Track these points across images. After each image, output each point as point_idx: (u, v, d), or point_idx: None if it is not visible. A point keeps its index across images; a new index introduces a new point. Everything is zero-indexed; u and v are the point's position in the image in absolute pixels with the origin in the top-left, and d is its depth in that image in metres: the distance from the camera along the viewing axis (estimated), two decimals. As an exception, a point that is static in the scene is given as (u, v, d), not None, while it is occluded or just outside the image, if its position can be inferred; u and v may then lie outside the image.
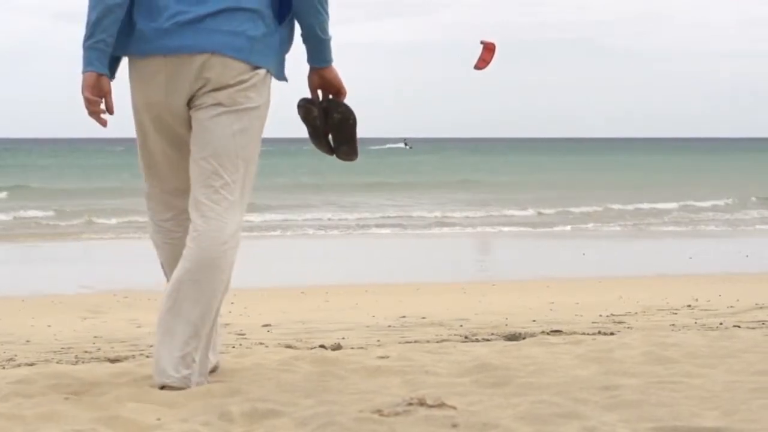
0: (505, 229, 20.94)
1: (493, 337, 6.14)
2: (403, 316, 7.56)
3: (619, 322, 6.97)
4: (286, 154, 70.49)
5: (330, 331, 6.76)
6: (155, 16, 4.09)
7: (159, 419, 3.61)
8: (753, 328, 6.22)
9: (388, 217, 23.93)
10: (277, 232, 19.79)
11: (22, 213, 23.65)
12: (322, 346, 5.60)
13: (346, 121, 4.37)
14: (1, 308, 8.63)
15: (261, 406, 3.69)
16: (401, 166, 57.99)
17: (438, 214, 24.27)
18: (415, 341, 5.97)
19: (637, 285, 10.14)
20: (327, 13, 4.25)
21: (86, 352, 5.90)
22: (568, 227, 21.22)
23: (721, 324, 6.66)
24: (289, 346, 5.68)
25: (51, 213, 23.79)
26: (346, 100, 4.39)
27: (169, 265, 4.33)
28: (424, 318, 7.43)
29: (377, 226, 21.52)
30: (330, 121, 4.37)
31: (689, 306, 8.01)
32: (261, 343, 6.00)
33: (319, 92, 4.39)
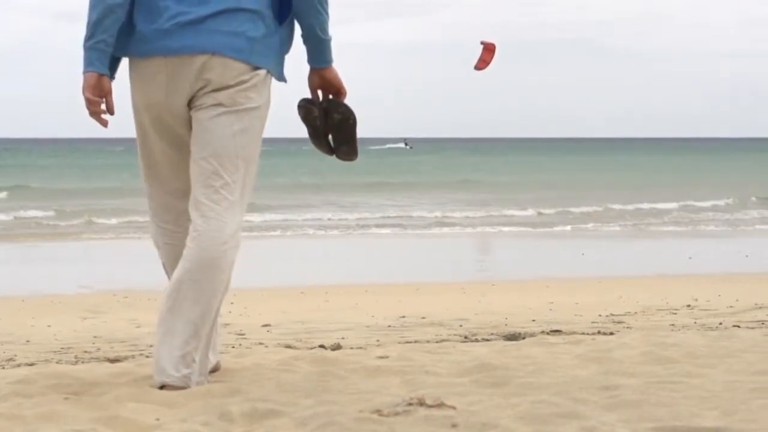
0: (505, 229, 20.92)
1: (492, 337, 6.14)
2: (403, 316, 7.56)
3: (619, 322, 6.96)
4: (286, 154, 70.43)
5: (330, 331, 6.76)
6: (155, 17, 4.09)
7: (158, 419, 3.62)
8: (752, 328, 6.22)
9: (388, 217, 23.91)
10: (277, 232, 19.77)
11: (22, 213, 23.63)
12: (321, 346, 5.60)
13: (346, 121, 4.37)
14: (1, 308, 8.62)
15: (261, 406, 3.69)
16: (401, 166, 57.96)
17: (438, 214, 24.25)
18: (415, 341, 5.97)
19: (636, 285, 10.14)
20: (327, 14, 4.25)
21: (86, 352, 5.90)
22: (568, 227, 21.21)
23: (720, 324, 6.66)
24: (288, 346, 5.68)
25: (51, 213, 23.77)
26: (346, 100, 4.39)
27: (170, 265, 4.34)
28: (423, 318, 7.43)
29: (377, 226, 21.50)
30: (330, 122, 4.37)
31: (689, 306, 8.01)
32: (261, 343, 6.00)
33: (320, 92, 4.39)
